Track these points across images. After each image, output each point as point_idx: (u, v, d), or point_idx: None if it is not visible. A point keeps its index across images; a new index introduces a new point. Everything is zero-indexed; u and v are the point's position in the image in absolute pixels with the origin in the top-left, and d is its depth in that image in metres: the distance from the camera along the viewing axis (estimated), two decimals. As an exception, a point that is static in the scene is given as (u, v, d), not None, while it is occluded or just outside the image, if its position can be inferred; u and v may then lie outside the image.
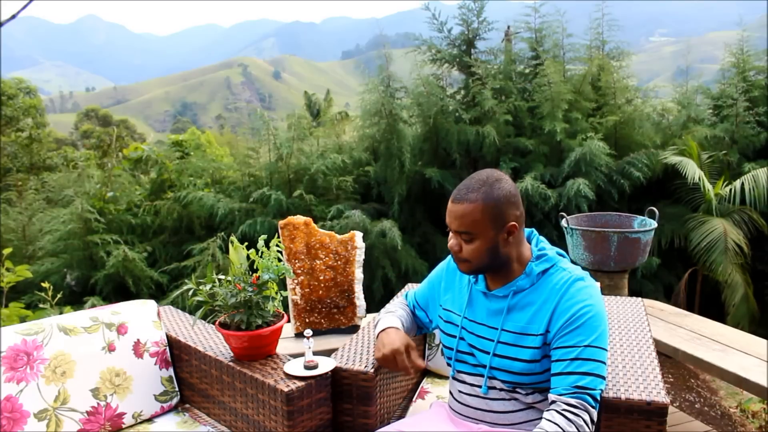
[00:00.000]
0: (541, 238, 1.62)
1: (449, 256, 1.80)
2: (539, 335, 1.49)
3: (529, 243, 1.60)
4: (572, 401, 1.39)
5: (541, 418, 1.52)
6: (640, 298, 2.32)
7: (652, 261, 4.71)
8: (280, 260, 1.84)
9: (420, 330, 1.90)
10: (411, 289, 2.09)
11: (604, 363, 1.44)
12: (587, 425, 1.39)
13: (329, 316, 2.65)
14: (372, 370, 1.73)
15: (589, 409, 1.40)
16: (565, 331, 1.45)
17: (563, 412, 1.38)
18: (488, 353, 1.55)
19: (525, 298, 1.53)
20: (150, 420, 1.93)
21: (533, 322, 1.50)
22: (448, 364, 1.68)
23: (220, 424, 1.90)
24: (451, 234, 1.53)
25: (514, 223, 1.48)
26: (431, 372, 2.25)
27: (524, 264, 1.55)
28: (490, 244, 1.48)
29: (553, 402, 1.42)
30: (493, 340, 1.55)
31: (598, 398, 1.42)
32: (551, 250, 1.58)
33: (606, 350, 1.46)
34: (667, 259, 4.95)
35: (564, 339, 1.45)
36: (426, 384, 2.17)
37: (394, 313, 1.79)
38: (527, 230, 1.60)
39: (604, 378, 1.44)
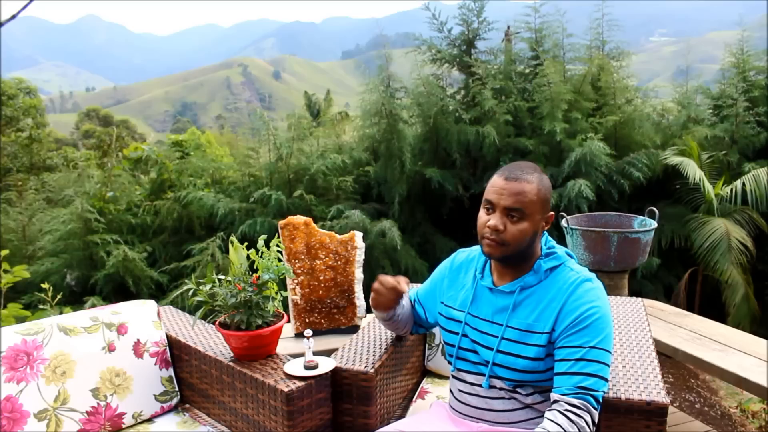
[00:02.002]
0: (549, 237, 1.63)
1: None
2: (544, 333, 1.49)
3: None
4: (575, 402, 1.39)
5: (540, 418, 1.52)
6: (640, 298, 2.33)
7: (652, 261, 4.71)
8: (280, 260, 1.84)
9: (419, 328, 1.91)
10: (412, 288, 2.09)
11: (608, 365, 1.45)
12: (589, 426, 1.39)
13: (329, 316, 2.65)
14: (372, 370, 1.73)
15: (592, 411, 1.40)
16: (571, 331, 1.45)
17: (566, 413, 1.38)
18: (491, 349, 1.55)
19: (532, 295, 1.53)
20: (150, 420, 1.93)
21: (539, 320, 1.50)
22: (449, 362, 1.68)
23: (220, 424, 1.90)
24: (491, 213, 1.50)
25: (552, 213, 1.54)
26: (431, 372, 2.25)
27: (533, 260, 1.55)
28: (534, 228, 1.50)
29: (556, 401, 1.42)
30: (497, 337, 1.55)
31: (601, 400, 1.42)
32: (560, 249, 1.59)
33: (610, 353, 1.46)
34: (667, 259, 4.95)
35: (570, 339, 1.45)
36: (426, 384, 2.17)
37: None
38: None
39: (607, 380, 1.44)
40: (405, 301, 1.86)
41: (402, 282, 1.72)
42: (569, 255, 1.60)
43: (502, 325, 1.55)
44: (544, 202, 1.50)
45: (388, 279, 1.71)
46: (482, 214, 1.53)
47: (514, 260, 1.54)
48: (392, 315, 1.82)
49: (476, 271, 1.66)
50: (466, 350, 1.62)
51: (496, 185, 1.50)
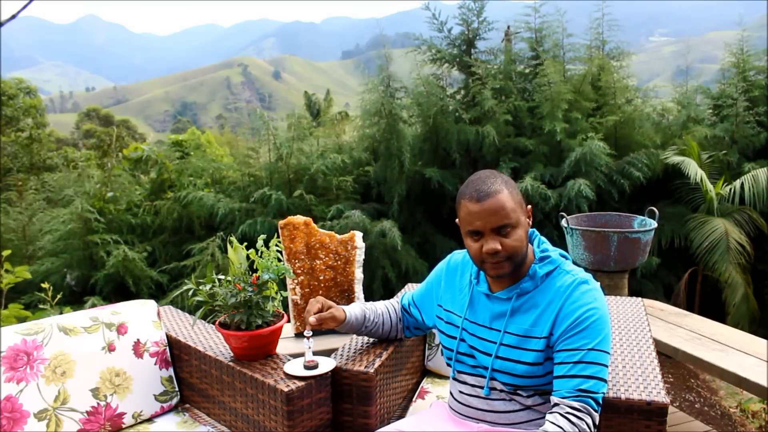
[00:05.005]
0: (543, 238, 1.61)
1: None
2: (543, 338, 1.48)
3: (531, 243, 1.59)
4: (575, 404, 1.39)
5: (541, 419, 1.52)
6: (640, 298, 2.32)
7: (652, 261, 4.71)
8: (279, 260, 1.84)
9: (416, 331, 1.90)
10: (410, 290, 2.09)
11: (607, 366, 1.44)
12: (590, 428, 1.38)
13: (329, 316, 2.64)
14: (372, 370, 1.73)
15: (592, 413, 1.40)
16: (569, 334, 1.45)
17: (566, 415, 1.38)
18: (490, 355, 1.54)
19: (529, 300, 1.52)
20: (150, 420, 1.93)
21: (537, 325, 1.49)
22: (448, 365, 1.68)
23: (220, 424, 1.90)
24: (480, 239, 1.47)
25: (530, 206, 1.54)
26: (431, 372, 2.25)
27: (527, 265, 1.54)
28: (525, 230, 1.50)
29: (556, 404, 1.41)
30: (495, 342, 1.54)
31: (601, 402, 1.42)
32: (554, 252, 1.57)
33: (609, 354, 1.45)
34: (667, 259, 4.95)
35: (568, 342, 1.44)
36: (426, 384, 2.17)
37: (364, 304, 1.87)
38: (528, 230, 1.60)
39: (606, 382, 1.43)
40: (374, 316, 1.84)
41: (313, 317, 1.69)
42: (563, 256, 1.59)
43: (500, 331, 1.54)
44: (520, 203, 1.49)
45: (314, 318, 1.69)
46: (471, 243, 1.49)
47: (518, 266, 1.52)
48: (355, 331, 1.83)
49: (471, 276, 1.64)
50: (465, 355, 1.62)
51: (472, 212, 1.45)
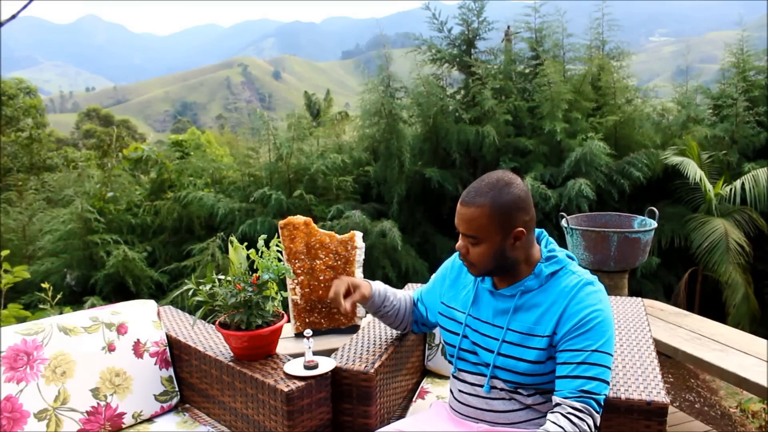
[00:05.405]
0: (551, 239, 1.61)
1: (455, 254, 1.80)
2: (545, 337, 1.48)
3: (538, 243, 1.59)
4: (577, 405, 1.39)
5: (541, 418, 1.52)
6: (640, 298, 2.32)
7: (652, 261, 4.71)
8: (280, 260, 1.84)
9: (422, 327, 1.91)
10: (417, 288, 2.10)
11: (610, 368, 1.44)
12: (591, 429, 1.39)
13: (329, 316, 2.65)
14: (372, 370, 1.74)
15: (594, 414, 1.40)
16: (573, 335, 1.45)
17: (568, 416, 1.38)
18: (492, 352, 1.55)
19: (532, 298, 1.53)
20: (150, 420, 1.93)
21: (540, 324, 1.50)
22: (450, 362, 1.68)
23: (220, 424, 1.90)
24: (460, 235, 1.54)
25: (521, 229, 1.47)
26: (431, 372, 2.25)
27: (533, 264, 1.54)
28: (496, 248, 1.48)
29: (558, 404, 1.42)
30: (497, 339, 1.55)
31: (602, 403, 1.42)
32: (561, 252, 1.58)
33: (612, 356, 1.46)
34: (667, 259, 4.95)
35: (571, 342, 1.45)
36: (426, 384, 2.17)
37: (386, 286, 1.88)
38: (536, 230, 1.60)
39: (608, 383, 1.44)
40: (394, 298, 1.86)
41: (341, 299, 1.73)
42: (570, 257, 1.59)
43: (502, 328, 1.54)
44: (501, 223, 1.45)
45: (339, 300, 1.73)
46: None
47: (498, 273, 1.55)
48: (376, 309, 1.83)
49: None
50: (467, 351, 1.62)
51: (456, 210, 1.51)
